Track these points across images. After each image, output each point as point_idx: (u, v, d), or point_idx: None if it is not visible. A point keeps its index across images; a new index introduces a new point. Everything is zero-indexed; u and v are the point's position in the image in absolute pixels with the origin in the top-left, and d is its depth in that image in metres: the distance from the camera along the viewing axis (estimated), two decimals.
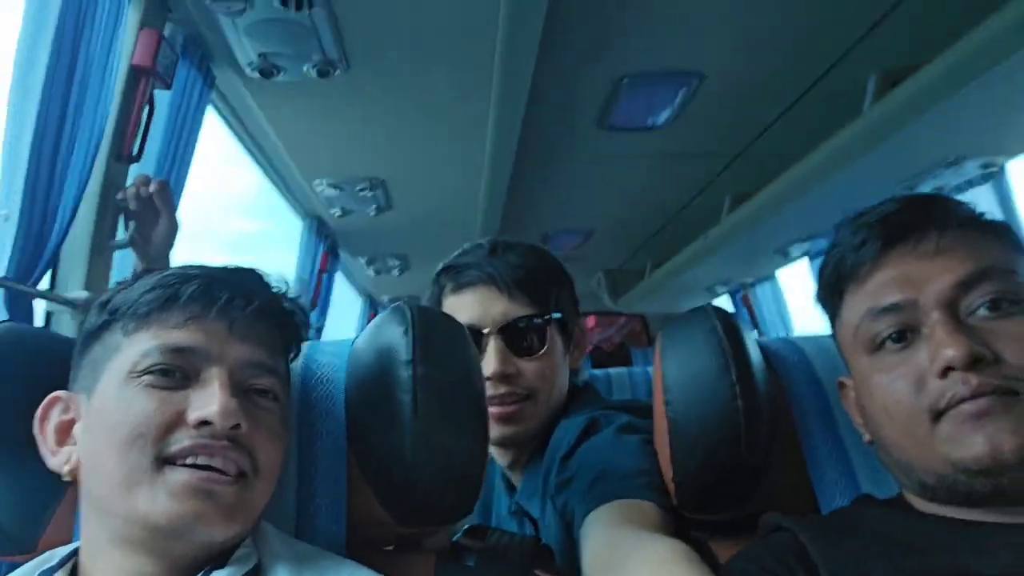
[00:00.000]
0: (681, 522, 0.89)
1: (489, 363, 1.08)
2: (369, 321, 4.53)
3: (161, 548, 0.65)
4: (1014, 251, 0.76)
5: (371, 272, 3.90)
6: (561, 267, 1.20)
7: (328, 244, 3.34)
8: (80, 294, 1.34)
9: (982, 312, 0.71)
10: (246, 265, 0.77)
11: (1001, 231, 0.77)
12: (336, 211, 2.84)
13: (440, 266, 1.19)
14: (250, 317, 0.72)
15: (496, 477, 1.28)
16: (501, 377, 1.08)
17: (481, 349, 1.09)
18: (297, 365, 0.86)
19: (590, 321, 8.18)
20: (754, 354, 0.89)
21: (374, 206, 2.79)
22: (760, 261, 4.52)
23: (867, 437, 0.80)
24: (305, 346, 0.89)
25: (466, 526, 0.90)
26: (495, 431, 1.10)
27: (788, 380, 0.93)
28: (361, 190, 2.60)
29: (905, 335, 0.72)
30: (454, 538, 0.88)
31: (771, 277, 5.00)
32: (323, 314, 3.51)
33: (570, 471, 0.96)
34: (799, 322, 5.10)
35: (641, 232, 4.36)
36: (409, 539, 0.86)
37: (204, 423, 0.66)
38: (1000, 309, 0.70)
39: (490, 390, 1.08)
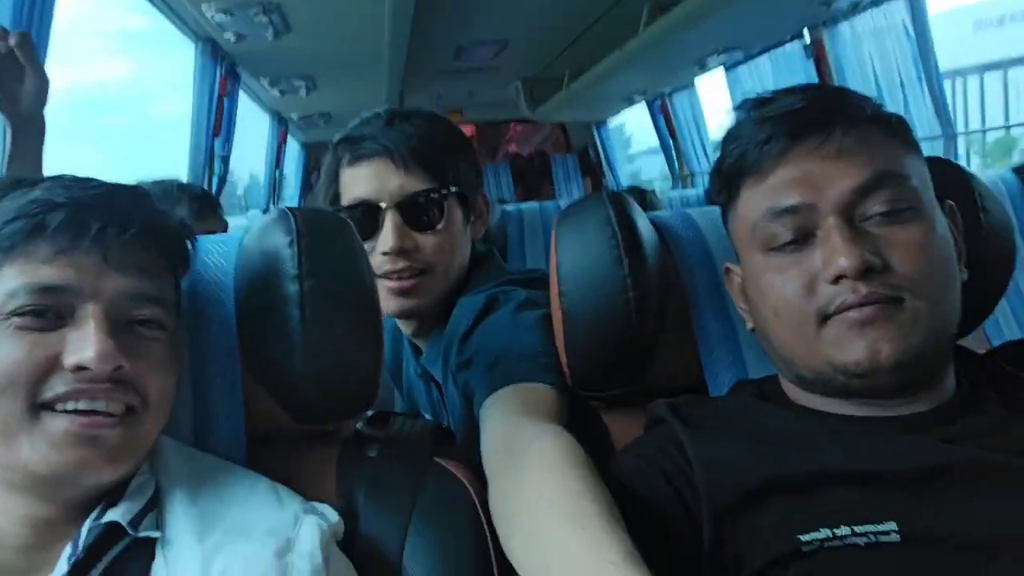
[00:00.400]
0: (579, 397, 0.94)
1: (386, 239, 1.07)
2: (279, 145, 4.38)
3: (48, 493, 0.65)
4: (909, 152, 0.77)
5: (276, 93, 3.71)
6: (461, 136, 1.17)
7: (226, 67, 3.14)
8: None
9: (877, 218, 0.72)
10: (124, 183, 0.71)
11: (898, 128, 0.77)
12: (230, 36, 2.64)
13: (337, 136, 1.16)
14: (127, 245, 0.66)
15: (404, 341, 1.30)
16: (399, 252, 1.08)
17: (378, 224, 1.08)
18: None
19: (515, 129, 8.06)
20: (647, 236, 0.89)
21: (271, 30, 2.60)
22: (678, 72, 4.47)
23: (750, 325, 0.83)
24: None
25: (370, 413, 0.92)
26: (394, 304, 1.11)
27: (681, 257, 0.94)
28: (255, 14, 2.41)
29: (801, 237, 0.74)
30: (357, 425, 0.90)
31: (689, 86, 4.97)
32: (228, 141, 3.36)
33: (469, 352, 0.98)
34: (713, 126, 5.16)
35: (558, 41, 4.22)
36: (311, 431, 0.87)
37: (81, 368, 0.63)
38: (892, 215, 0.72)
39: (387, 265, 1.09)
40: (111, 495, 0.67)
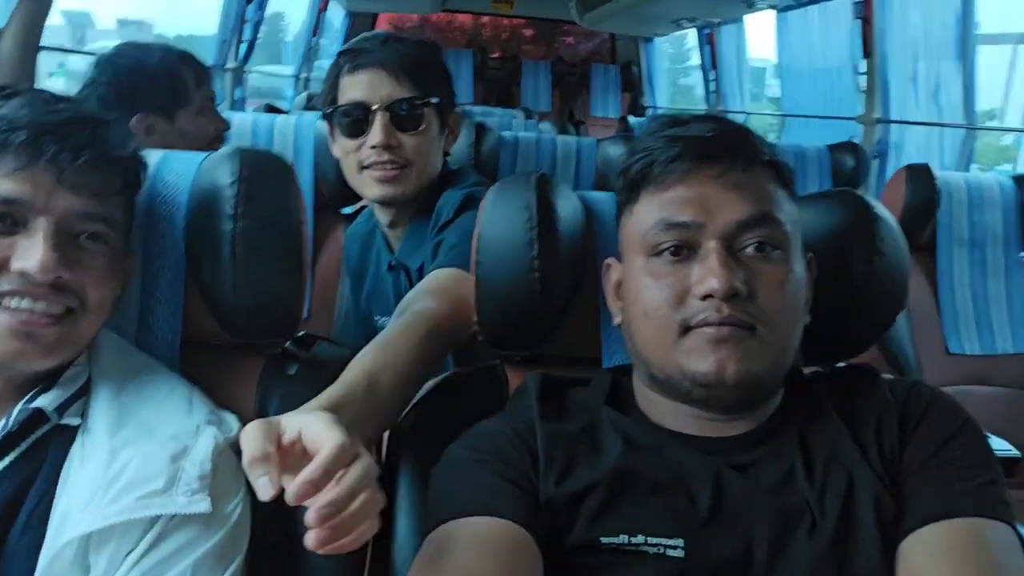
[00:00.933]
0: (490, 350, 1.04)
1: (375, 134, 1.29)
2: (319, 11, 4.32)
3: None
4: (788, 198, 0.85)
5: None
6: (444, 63, 1.39)
7: None
8: None
9: (750, 251, 0.80)
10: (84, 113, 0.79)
11: (784, 175, 0.85)
12: None
13: (340, 50, 1.37)
14: (80, 168, 0.75)
15: (378, 239, 1.50)
16: (385, 147, 1.29)
17: (368, 123, 1.29)
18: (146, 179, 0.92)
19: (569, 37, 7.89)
20: (569, 218, 0.97)
21: None
22: (727, 5, 4.37)
23: (617, 320, 0.90)
24: (158, 156, 0.95)
25: (302, 333, 1.02)
26: (377, 190, 1.34)
27: (602, 236, 1.02)
28: None
29: (683, 250, 0.81)
30: (286, 344, 1.01)
31: (738, 20, 4.86)
32: (261, 7, 3.35)
33: (441, 237, 1.20)
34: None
35: None
36: (242, 342, 0.98)
37: (25, 273, 0.73)
38: (764, 251, 0.80)
39: (374, 157, 1.30)
40: (47, 380, 0.79)
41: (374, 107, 1.28)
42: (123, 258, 0.84)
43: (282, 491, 0.89)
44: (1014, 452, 1.65)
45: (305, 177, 1.99)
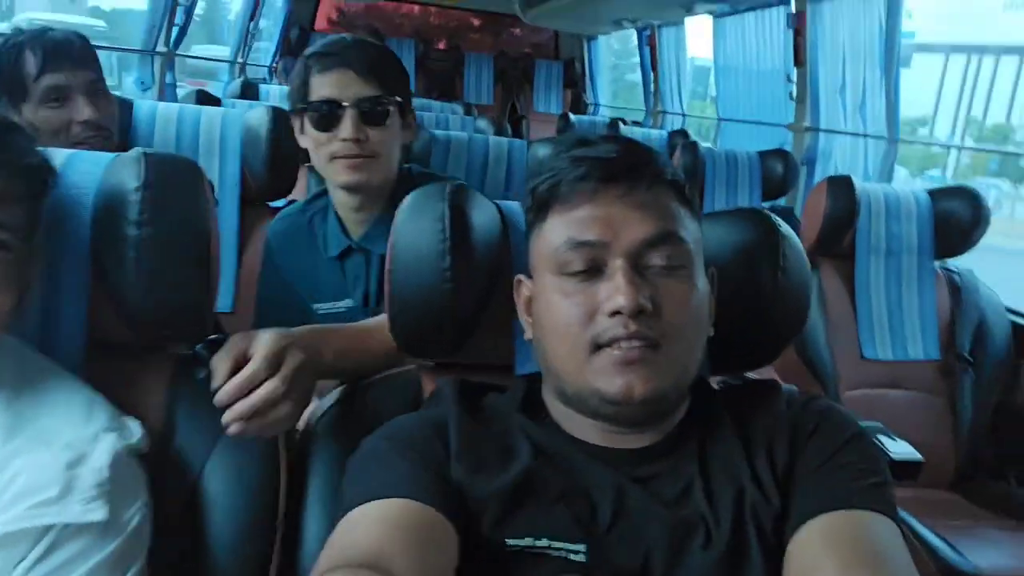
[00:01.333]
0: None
1: (345, 128, 1.42)
2: None
3: None
4: (691, 216, 0.87)
5: None
6: (402, 65, 1.56)
7: None
8: None
9: (656, 269, 0.82)
10: None
11: (684, 192, 0.88)
12: None
13: (307, 52, 1.51)
14: None
15: (328, 228, 1.58)
16: (354, 140, 1.43)
17: (339, 119, 1.43)
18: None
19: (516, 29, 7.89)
20: (484, 229, 0.98)
21: None
22: (668, 9, 4.43)
23: (528, 335, 0.91)
24: (66, 156, 0.93)
25: (211, 336, 1.01)
26: (347, 177, 1.46)
27: (518, 246, 1.03)
28: None
29: (590, 269, 0.82)
30: (196, 347, 1.00)
31: (679, 23, 4.94)
32: None
33: None
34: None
35: None
36: (151, 345, 0.97)
37: None
38: (668, 270, 0.82)
39: (345, 149, 1.43)
40: None
41: (344, 104, 1.42)
42: (24, 265, 0.81)
43: (188, 495, 0.90)
44: (916, 456, 1.73)
45: (231, 171, 1.96)
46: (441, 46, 7.79)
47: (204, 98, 2.91)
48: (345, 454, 0.90)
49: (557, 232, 0.85)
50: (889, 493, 0.81)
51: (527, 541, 0.78)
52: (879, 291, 2.28)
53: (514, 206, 1.07)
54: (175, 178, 0.88)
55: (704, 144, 3.43)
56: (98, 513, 0.72)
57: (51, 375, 0.84)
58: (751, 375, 2.48)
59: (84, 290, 0.90)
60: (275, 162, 1.96)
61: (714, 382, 1.12)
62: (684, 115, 5.28)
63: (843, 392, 2.18)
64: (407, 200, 0.99)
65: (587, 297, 0.82)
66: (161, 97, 3.36)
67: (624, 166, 0.84)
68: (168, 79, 3.29)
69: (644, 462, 0.84)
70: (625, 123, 5.19)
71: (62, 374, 0.85)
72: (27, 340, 0.88)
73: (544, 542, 0.78)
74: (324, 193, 1.61)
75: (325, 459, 0.96)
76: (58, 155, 0.92)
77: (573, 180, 0.84)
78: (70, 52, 1.48)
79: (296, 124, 1.52)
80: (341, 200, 1.53)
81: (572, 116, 5.14)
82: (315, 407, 1.03)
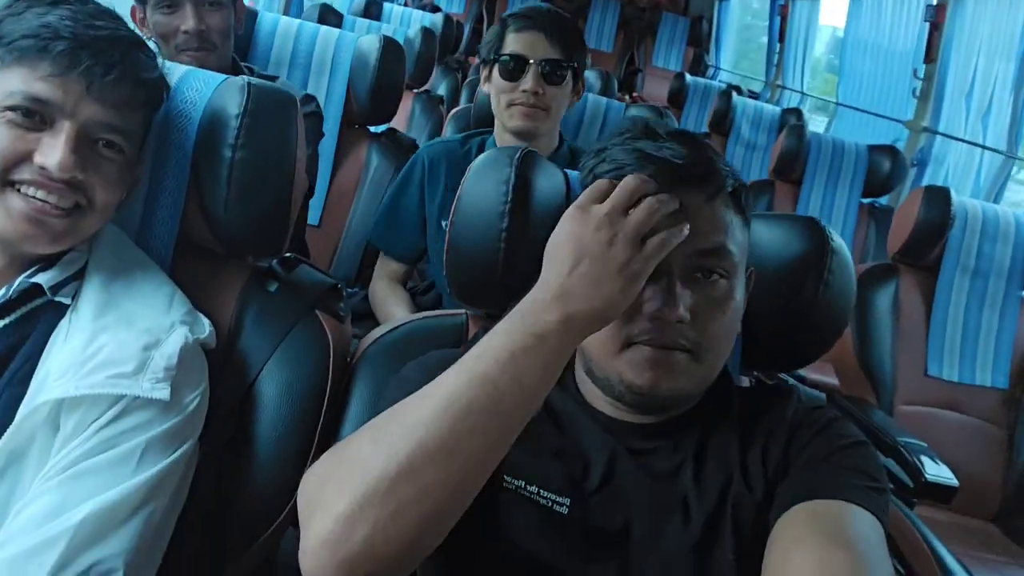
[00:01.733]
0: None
1: (528, 81, 1.65)
2: None
3: (3, 248, 0.86)
4: (741, 224, 0.89)
5: None
6: (583, 40, 1.78)
7: None
8: None
9: (699, 276, 0.85)
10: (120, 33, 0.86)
11: (743, 202, 0.90)
12: None
13: (505, 13, 1.79)
14: (108, 83, 0.83)
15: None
16: (534, 92, 1.65)
17: (524, 72, 1.66)
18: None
19: None
20: (546, 196, 1.02)
21: None
22: None
23: None
24: (181, 72, 1.02)
25: (286, 254, 1.11)
26: (520, 123, 1.68)
27: None
28: None
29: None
30: (273, 262, 1.09)
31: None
32: None
33: None
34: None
35: None
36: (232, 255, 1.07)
37: (44, 168, 0.82)
38: (712, 280, 0.85)
39: (523, 99, 1.66)
40: (48, 260, 0.88)
41: (531, 61, 1.65)
42: (134, 166, 0.92)
43: (244, 392, 1.00)
44: (952, 481, 1.73)
45: (337, 92, 2.06)
46: None
47: (327, 12, 3.00)
48: (386, 379, 1.00)
49: None
50: (882, 499, 0.82)
51: (519, 483, 0.86)
52: (958, 309, 2.23)
53: (574, 175, 1.12)
54: (272, 110, 0.96)
55: (813, 128, 3.34)
56: (163, 392, 0.83)
57: (143, 266, 0.95)
58: (806, 372, 2.48)
59: (181, 196, 1.00)
60: (379, 90, 2.05)
61: (747, 379, 1.16)
62: (803, 94, 5.11)
63: (898, 405, 2.16)
64: (480, 158, 1.05)
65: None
66: (287, 5, 3.48)
67: (689, 174, 0.85)
68: None
69: (644, 436, 0.90)
70: (741, 92, 5.06)
71: (152, 267, 0.96)
72: (127, 232, 0.99)
73: (534, 488, 0.85)
74: (480, 133, 1.84)
75: (367, 382, 1.05)
76: (176, 70, 1.02)
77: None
78: None
79: (484, 72, 1.75)
80: (507, 143, 1.71)
81: (688, 77, 5.04)
82: (369, 335, 1.13)
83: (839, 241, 1.05)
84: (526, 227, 1.01)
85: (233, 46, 1.70)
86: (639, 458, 0.88)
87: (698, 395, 0.90)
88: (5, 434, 0.80)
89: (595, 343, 0.86)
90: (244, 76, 0.99)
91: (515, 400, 0.72)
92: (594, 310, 0.74)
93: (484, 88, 1.77)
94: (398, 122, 2.91)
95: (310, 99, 1.77)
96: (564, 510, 0.85)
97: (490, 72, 1.72)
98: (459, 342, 1.10)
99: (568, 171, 1.11)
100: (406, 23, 3.70)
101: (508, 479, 0.86)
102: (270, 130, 0.96)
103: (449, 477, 0.70)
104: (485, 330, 1.00)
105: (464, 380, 0.72)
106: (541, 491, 0.85)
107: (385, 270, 1.79)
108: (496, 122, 1.76)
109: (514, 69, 1.66)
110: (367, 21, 3.09)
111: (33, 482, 0.79)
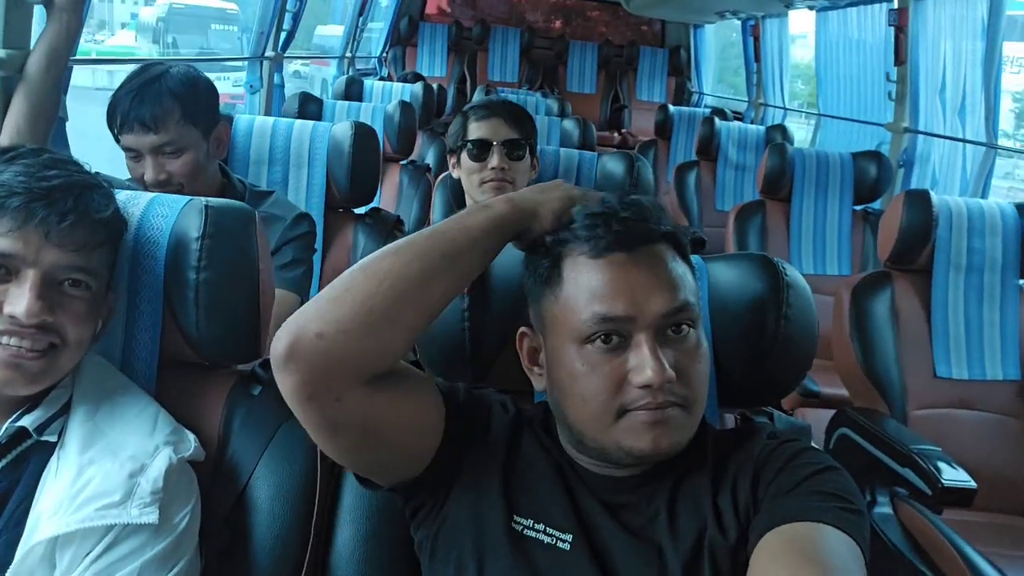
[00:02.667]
0: None
1: (494, 160, 1.92)
2: None
3: None
4: (689, 272, 0.93)
5: None
6: (534, 122, 2.05)
7: None
8: None
9: (671, 333, 0.88)
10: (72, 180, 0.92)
11: (682, 246, 0.94)
12: None
13: (466, 107, 2.07)
14: (64, 229, 0.88)
15: None
16: (500, 169, 1.91)
17: (489, 155, 1.93)
18: (134, 219, 1.05)
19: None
20: (505, 266, 1.05)
21: None
22: (768, 2, 4.34)
23: (540, 387, 0.96)
24: (147, 199, 1.08)
25: (267, 357, 1.15)
26: (493, 197, 1.70)
27: None
28: None
29: (613, 339, 0.87)
30: (254, 366, 1.14)
31: (783, 15, 4.82)
32: None
33: None
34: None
35: None
36: (215, 364, 1.12)
37: (13, 317, 0.87)
38: (683, 335, 0.89)
39: (493, 175, 1.92)
40: (33, 400, 0.93)
41: (494, 143, 1.92)
42: (103, 298, 0.97)
43: (236, 499, 1.03)
44: (969, 484, 1.71)
45: (317, 180, 2.13)
46: (556, 25, 7.84)
47: (307, 100, 3.10)
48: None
49: (579, 302, 0.88)
50: (857, 519, 0.83)
51: (529, 523, 0.90)
52: (957, 308, 2.23)
53: None
54: (230, 227, 1.02)
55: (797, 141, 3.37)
56: (151, 516, 0.86)
57: (125, 392, 0.99)
58: (820, 387, 2.48)
59: (158, 319, 1.05)
60: (357, 173, 2.11)
61: (729, 421, 1.18)
62: (785, 108, 5.17)
63: (911, 411, 2.15)
64: None
65: (613, 368, 0.87)
66: (269, 97, 3.59)
67: (641, 233, 0.89)
68: (276, 80, 3.52)
69: (619, 491, 0.92)
70: (725, 116, 5.12)
71: (135, 391, 1.00)
72: (111, 358, 1.04)
73: (541, 526, 0.90)
74: None
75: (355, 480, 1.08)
76: (141, 198, 1.07)
77: (590, 247, 0.89)
78: (140, 116, 1.51)
79: (452, 160, 2.02)
80: None
81: (671, 108, 5.11)
82: None
83: (794, 274, 1.08)
84: (488, 305, 1.05)
85: (218, 167, 1.71)
86: (617, 514, 0.91)
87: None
88: None
89: (585, 419, 0.89)
90: (202, 200, 1.04)
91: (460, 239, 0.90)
92: (535, 200, 0.95)
93: (454, 173, 2.03)
94: (388, 194, 2.98)
95: (304, 217, 1.78)
96: (567, 545, 0.88)
97: (458, 158, 1.98)
98: None
99: None
100: (387, 98, 3.80)
101: (517, 519, 0.90)
102: (229, 247, 1.02)
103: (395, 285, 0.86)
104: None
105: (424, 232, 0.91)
106: (547, 529, 0.89)
107: None
108: (467, 200, 1.99)
109: (480, 152, 1.93)
110: (347, 104, 3.18)
111: None
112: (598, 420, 0.88)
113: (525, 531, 0.90)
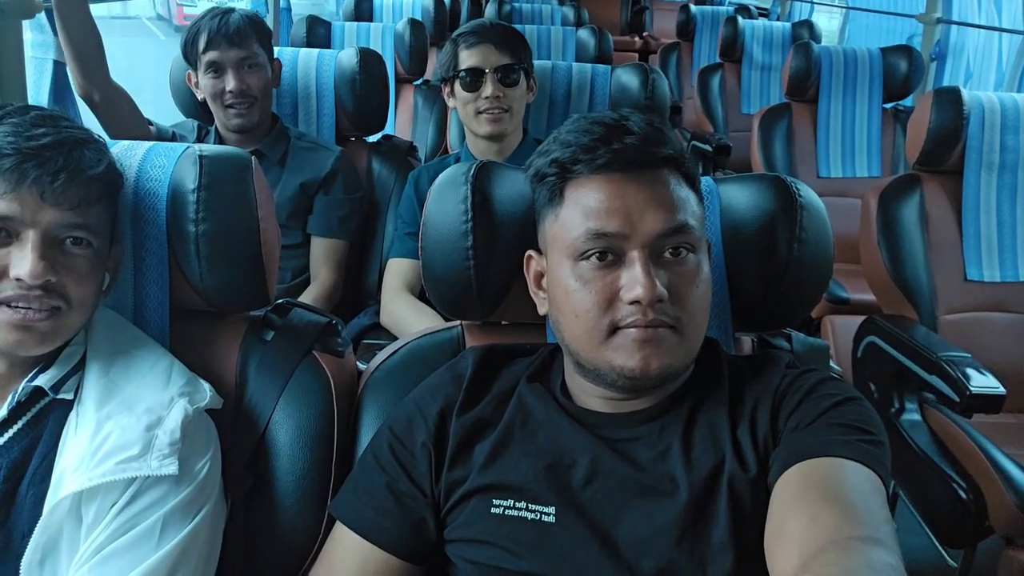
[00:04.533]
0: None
1: (487, 89, 1.81)
2: None
3: (3, 357, 0.92)
4: (695, 199, 0.91)
5: None
6: (527, 43, 1.93)
7: None
8: None
9: (667, 255, 0.87)
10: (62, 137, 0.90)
11: (692, 174, 0.92)
12: None
13: (454, 34, 1.91)
14: (59, 188, 0.87)
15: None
16: (495, 98, 1.81)
17: (482, 83, 1.82)
18: (132, 171, 1.04)
19: None
20: (507, 201, 1.03)
21: None
22: None
23: (543, 309, 0.97)
24: (144, 149, 1.06)
25: (279, 301, 1.15)
26: (490, 128, 1.83)
27: None
28: None
29: (607, 256, 0.87)
30: (267, 311, 1.14)
31: None
32: None
33: None
34: None
35: None
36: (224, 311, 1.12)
37: (19, 279, 0.87)
38: (680, 257, 0.88)
39: (487, 104, 1.82)
40: (47, 359, 0.94)
41: (486, 71, 1.82)
42: (106, 254, 0.96)
43: (257, 443, 1.05)
44: (998, 389, 1.70)
45: (327, 110, 2.09)
46: None
47: (314, 23, 3.02)
48: (393, 405, 1.04)
49: (575, 220, 0.89)
50: (877, 451, 0.82)
51: (508, 503, 0.89)
52: (989, 208, 2.16)
53: None
54: (225, 176, 1.00)
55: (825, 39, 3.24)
56: (171, 467, 0.88)
57: (139, 345, 1.00)
58: (850, 294, 2.46)
59: (164, 269, 1.05)
60: (365, 100, 2.07)
61: (746, 344, 1.16)
62: (812, 2, 4.94)
63: (941, 316, 2.11)
64: (438, 180, 1.07)
65: (605, 284, 0.87)
66: (276, 22, 3.51)
67: (641, 156, 0.88)
68: (283, 3, 3.43)
69: (630, 425, 0.92)
70: (750, 14, 4.92)
71: (148, 343, 1.01)
72: (123, 311, 1.05)
73: (522, 504, 0.89)
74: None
75: (374, 412, 1.09)
76: (138, 148, 1.06)
77: (589, 166, 0.88)
78: (227, 33, 1.81)
79: (446, 90, 1.90)
80: (482, 149, 1.89)
81: (693, 7, 4.93)
82: (372, 362, 1.16)
83: (808, 195, 1.04)
84: (494, 239, 1.03)
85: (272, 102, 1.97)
86: (624, 449, 0.90)
87: (684, 372, 0.92)
88: (36, 530, 0.86)
89: (578, 335, 0.90)
90: (197, 148, 1.03)
91: None
92: None
93: (449, 103, 1.92)
94: (403, 117, 2.93)
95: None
96: (551, 518, 0.88)
97: (452, 88, 1.88)
98: (456, 352, 1.13)
99: None
100: (398, 15, 3.69)
101: (496, 503, 0.90)
102: (226, 197, 1.00)
103: None
104: (480, 339, 1.03)
105: None
106: (529, 505, 0.89)
107: (398, 279, 1.82)
108: (466, 131, 1.92)
109: (472, 81, 1.83)
110: (355, 25, 3.10)
111: (68, 571, 0.85)
112: (590, 336, 0.88)
113: (506, 511, 0.89)
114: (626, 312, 0.86)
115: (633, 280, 0.85)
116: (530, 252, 0.99)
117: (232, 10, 1.85)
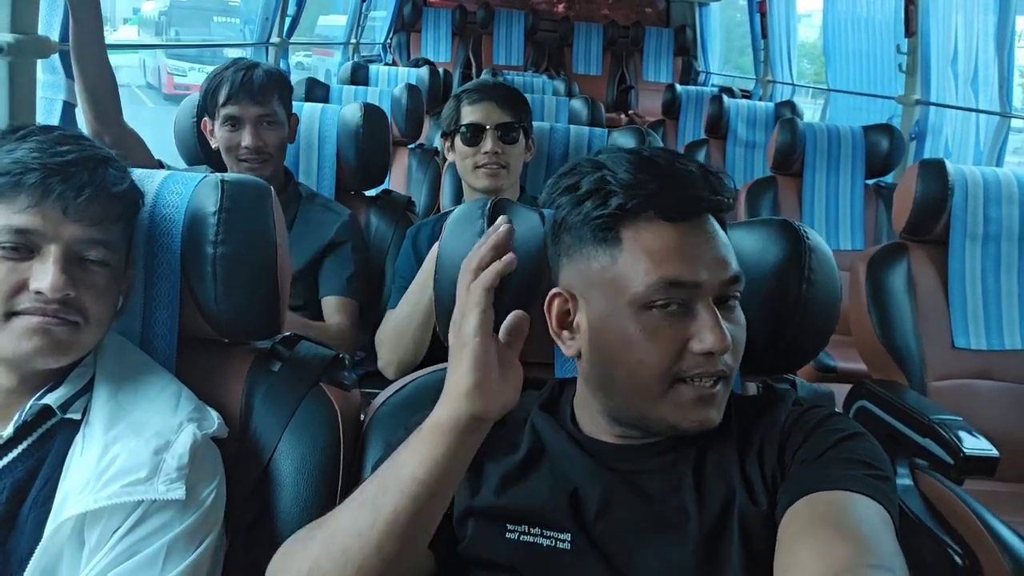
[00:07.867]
0: None
1: (486, 145, 1.87)
2: None
3: (12, 370, 0.91)
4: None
5: None
6: (527, 104, 1.99)
7: None
8: (6, 37, 1.44)
9: (728, 304, 0.87)
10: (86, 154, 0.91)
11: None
12: None
13: (458, 90, 2.00)
14: (82, 203, 0.88)
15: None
16: (494, 153, 1.86)
17: (482, 138, 1.87)
18: (149, 196, 1.04)
19: None
20: (521, 238, 1.05)
21: None
22: None
23: (572, 352, 0.91)
24: (161, 177, 1.07)
25: (286, 334, 1.15)
26: (487, 183, 1.88)
27: None
28: None
29: (672, 305, 0.85)
30: (273, 342, 1.13)
31: None
32: None
33: None
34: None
35: None
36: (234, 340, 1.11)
37: (39, 292, 0.87)
38: (733, 305, 0.88)
39: (486, 160, 1.87)
40: (56, 378, 0.93)
41: (487, 127, 1.87)
42: (122, 275, 0.97)
43: (261, 473, 1.03)
44: (991, 452, 1.70)
45: (328, 162, 2.12)
46: (559, 8, 7.79)
47: (313, 85, 3.09)
48: (398, 441, 1.02)
49: (640, 266, 0.84)
50: (885, 486, 0.82)
51: (523, 528, 0.88)
52: (975, 277, 2.20)
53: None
54: (247, 202, 1.01)
55: (806, 120, 3.35)
56: (178, 491, 0.86)
57: (147, 370, 0.99)
58: (837, 362, 2.47)
59: (176, 296, 1.04)
60: (367, 154, 2.11)
61: (751, 389, 1.17)
62: (794, 85, 5.12)
63: (930, 382, 2.13)
64: (454, 214, 1.08)
65: (675, 334, 0.84)
66: None
67: (707, 203, 0.87)
68: (282, 66, 3.51)
69: (640, 458, 0.91)
70: (733, 94, 5.09)
71: (156, 369, 1.00)
72: (131, 336, 1.04)
73: (536, 531, 0.88)
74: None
75: (380, 446, 1.07)
76: (156, 176, 1.07)
77: (658, 210, 0.85)
78: (249, 89, 1.79)
79: (447, 144, 1.95)
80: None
81: (678, 87, 5.08)
82: (378, 397, 1.15)
83: (815, 239, 1.06)
84: (508, 274, 1.03)
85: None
86: (635, 482, 0.89)
87: None
88: (35, 553, 0.83)
89: (635, 388, 0.86)
90: (217, 175, 1.04)
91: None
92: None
93: (449, 157, 1.97)
94: (397, 177, 2.97)
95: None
96: (567, 545, 0.86)
97: (452, 142, 1.93)
98: None
99: (545, 209, 1.13)
100: (393, 83, 3.78)
101: (511, 528, 0.88)
102: (247, 222, 1.01)
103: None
104: None
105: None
106: (544, 531, 0.87)
107: None
108: (464, 185, 1.98)
109: (473, 136, 1.88)
110: (353, 88, 3.17)
111: None
112: (648, 388, 0.85)
113: (521, 536, 0.88)
114: (693, 363, 0.84)
115: (706, 331, 0.83)
116: (556, 290, 0.93)
117: (256, 64, 1.85)
